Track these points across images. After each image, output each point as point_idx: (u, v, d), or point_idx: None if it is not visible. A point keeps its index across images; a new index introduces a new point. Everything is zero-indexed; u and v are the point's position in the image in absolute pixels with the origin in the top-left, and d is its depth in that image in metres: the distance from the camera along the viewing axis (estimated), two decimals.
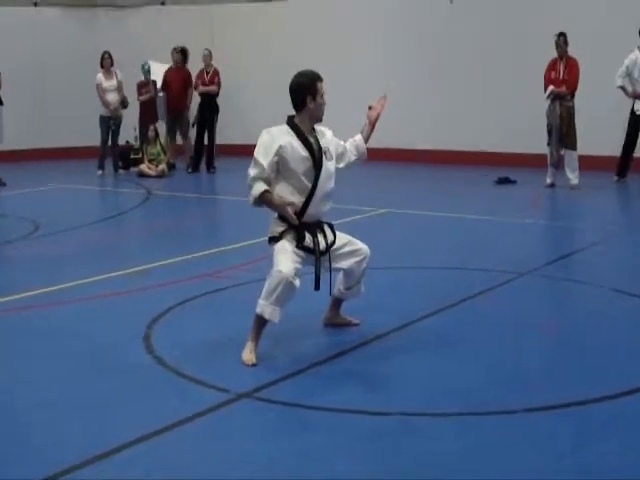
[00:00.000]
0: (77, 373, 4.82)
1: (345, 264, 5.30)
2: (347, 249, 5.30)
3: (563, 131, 12.15)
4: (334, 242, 5.24)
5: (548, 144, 12.35)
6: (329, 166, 5.20)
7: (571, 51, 12.23)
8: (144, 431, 3.91)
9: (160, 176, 14.59)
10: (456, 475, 3.55)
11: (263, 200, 5.14)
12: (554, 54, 12.31)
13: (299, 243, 5.08)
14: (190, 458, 3.70)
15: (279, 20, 17.44)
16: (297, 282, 4.95)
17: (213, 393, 4.43)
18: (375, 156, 16.04)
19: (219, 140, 15.90)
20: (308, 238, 5.12)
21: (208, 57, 15.15)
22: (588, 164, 12.97)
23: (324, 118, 5.23)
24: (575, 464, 3.63)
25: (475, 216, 9.80)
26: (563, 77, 12.14)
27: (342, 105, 15.85)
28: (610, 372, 4.76)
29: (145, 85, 15.64)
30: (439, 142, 15.56)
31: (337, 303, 5.61)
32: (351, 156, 5.52)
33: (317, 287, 5.14)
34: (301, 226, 5.11)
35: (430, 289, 6.62)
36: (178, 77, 15.26)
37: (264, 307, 4.95)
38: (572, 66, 12.17)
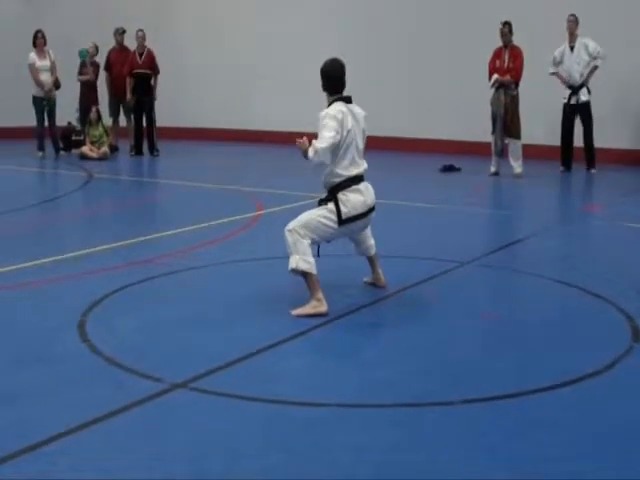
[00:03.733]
0: (5, 362, 4.67)
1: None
2: None
3: (507, 120, 12.22)
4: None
5: (492, 133, 12.42)
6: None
7: (516, 40, 12.30)
8: (73, 423, 3.80)
9: (102, 159, 14.38)
10: (389, 467, 3.51)
11: None
12: (499, 42, 12.37)
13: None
14: (119, 451, 3.59)
15: (226, 3, 17.31)
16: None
17: (148, 383, 4.32)
18: None
19: (165, 123, 15.75)
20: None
21: (142, 38, 14.91)
22: (532, 153, 13.11)
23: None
24: (508, 456, 3.62)
25: (418, 204, 9.81)
26: (508, 66, 12.21)
27: (294, 89, 15.87)
28: (548, 363, 4.76)
29: (86, 65, 15.37)
30: (383, 129, 15.54)
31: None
32: None
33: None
34: None
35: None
36: (121, 58, 15.02)
37: (298, 262, 5.55)
38: (517, 55, 12.24)
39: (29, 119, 14.81)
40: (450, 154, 14.08)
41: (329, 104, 5.79)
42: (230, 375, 4.49)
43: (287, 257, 5.69)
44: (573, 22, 12.50)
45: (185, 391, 4.25)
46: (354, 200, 5.71)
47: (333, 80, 5.83)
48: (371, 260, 6.23)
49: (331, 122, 5.62)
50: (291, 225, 5.66)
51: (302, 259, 5.57)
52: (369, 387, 4.37)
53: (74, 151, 15.15)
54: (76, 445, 3.64)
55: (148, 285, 6.30)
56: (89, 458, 3.53)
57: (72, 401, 4.11)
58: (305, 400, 4.14)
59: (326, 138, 5.57)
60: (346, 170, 5.73)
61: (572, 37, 12.60)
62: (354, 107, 5.84)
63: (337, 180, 5.72)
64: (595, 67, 12.46)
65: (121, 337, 5.11)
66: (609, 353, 4.84)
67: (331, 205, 5.70)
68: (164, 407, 4.07)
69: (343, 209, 5.68)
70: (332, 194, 5.73)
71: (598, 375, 4.53)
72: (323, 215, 5.70)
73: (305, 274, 5.60)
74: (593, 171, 12.75)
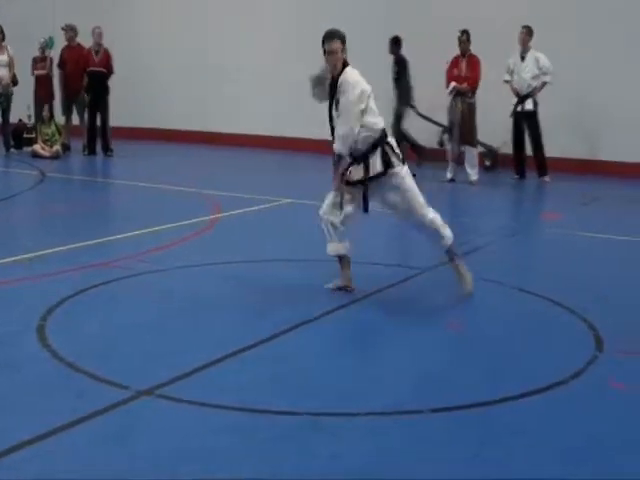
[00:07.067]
0: None
1: (400, 219, 6.48)
2: (401, 206, 6.14)
3: (464, 128, 12.29)
4: (383, 173, 5.98)
5: (449, 140, 12.49)
6: (336, 113, 5.98)
7: (473, 48, 12.39)
8: (38, 431, 3.69)
9: (55, 157, 14.13)
10: (364, 477, 3.48)
11: None
12: (457, 51, 12.44)
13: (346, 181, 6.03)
14: (86, 460, 3.51)
15: (186, 2, 17.19)
16: (333, 217, 6.08)
17: (112, 390, 4.22)
18: (281, 145, 16.10)
19: (120, 123, 15.57)
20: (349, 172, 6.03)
21: (98, 36, 14.69)
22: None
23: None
24: (481, 465, 3.62)
25: (375, 210, 9.76)
26: (465, 74, 12.28)
27: (254, 91, 15.77)
28: (515, 371, 4.79)
29: (42, 60, 15.10)
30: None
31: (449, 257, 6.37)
32: None
33: (365, 209, 6.15)
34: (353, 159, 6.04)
35: None
36: (74, 56, 14.79)
37: (328, 246, 6.15)
38: (474, 63, 12.33)
39: None
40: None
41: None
42: (196, 382, 4.42)
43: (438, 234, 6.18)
44: (525, 34, 12.64)
45: (151, 398, 4.16)
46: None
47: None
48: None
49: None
50: (428, 208, 6.12)
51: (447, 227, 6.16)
52: (338, 396, 4.33)
53: (25, 149, 14.87)
54: (42, 454, 3.54)
55: (108, 288, 6.18)
56: (55, 468, 3.44)
57: (36, 408, 4.01)
58: (275, 409, 4.08)
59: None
60: (380, 121, 6.07)
61: (524, 48, 12.72)
62: None
63: (377, 135, 6.00)
64: (544, 83, 12.60)
65: (82, 342, 5.00)
66: (574, 362, 4.87)
67: (400, 167, 6.04)
68: (131, 415, 3.99)
69: (400, 153, 6.11)
70: (380, 145, 6.00)
71: (564, 384, 4.55)
72: (410, 178, 6.10)
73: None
74: (546, 179, 12.87)
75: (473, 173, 12.41)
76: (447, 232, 6.16)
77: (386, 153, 6.01)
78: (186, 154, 15.71)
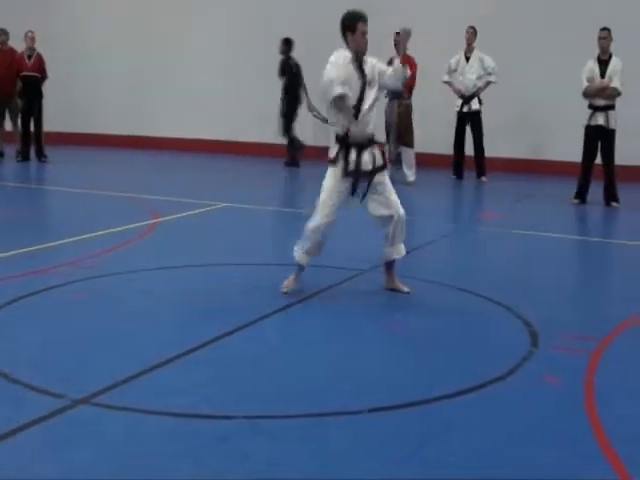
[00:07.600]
0: None
1: (373, 212, 6.25)
2: (379, 200, 6.20)
3: (401, 129, 12.39)
4: (383, 167, 6.17)
5: (386, 141, 12.57)
6: (370, 93, 6.01)
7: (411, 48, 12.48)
8: None
9: None
10: (302, 478, 3.48)
11: (338, 103, 5.97)
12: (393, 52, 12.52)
13: (345, 170, 6.01)
14: (25, 470, 3.45)
15: (120, 7, 17.03)
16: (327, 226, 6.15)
17: (49, 399, 4.16)
18: (213, 148, 16.00)
19: (55, 128, 15.36)
20: (352, 162, 6.01)
21: (31, 40, 14.49)
22: (425, 161, 13.35)
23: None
24: (418, 464, 3.64)
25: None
26: None
27: (188, 96, 15.71)
28: (453, 369, 4.83)
29: None
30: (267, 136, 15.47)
31: (387, 267, 6.44)
32: (387, 81, 6.20)
33: (353, 193, 6.16)
34: (350, 143, 6.03)
35: (273, 287, 6.49)
36: (5, 59, 14.54)
37: (296, 252, 6.21)
38: (410, 64, 12.38)
39: None
40: None
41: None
42: (134, 389, 4.38)
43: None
44: (472, 34, 12.89)
45: (88, 407, 4.11)
46: None
47: None
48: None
49: None
50: (402, 209, 6.20)
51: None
52: (276, 398, 4.33)
53: None
54: None
55: (44, 296, 6.08)
56: None
57: None
58: (214, 412, 4.07)
59: None
60: None
61: (469, 48, 12.94)
62: None
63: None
64: (489, 82, 12.83)
65: (17, 351, 4.91)
66: (511, 358, 4.95)
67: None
68: (68, 424, 3.92)
69: None
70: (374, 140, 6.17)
71: (501, 380, 4.62)
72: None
73: None
74: (484, 179, 13.05)
75: (410, 174, 12.52)
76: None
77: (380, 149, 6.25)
78: (122, 159, 15.56)
